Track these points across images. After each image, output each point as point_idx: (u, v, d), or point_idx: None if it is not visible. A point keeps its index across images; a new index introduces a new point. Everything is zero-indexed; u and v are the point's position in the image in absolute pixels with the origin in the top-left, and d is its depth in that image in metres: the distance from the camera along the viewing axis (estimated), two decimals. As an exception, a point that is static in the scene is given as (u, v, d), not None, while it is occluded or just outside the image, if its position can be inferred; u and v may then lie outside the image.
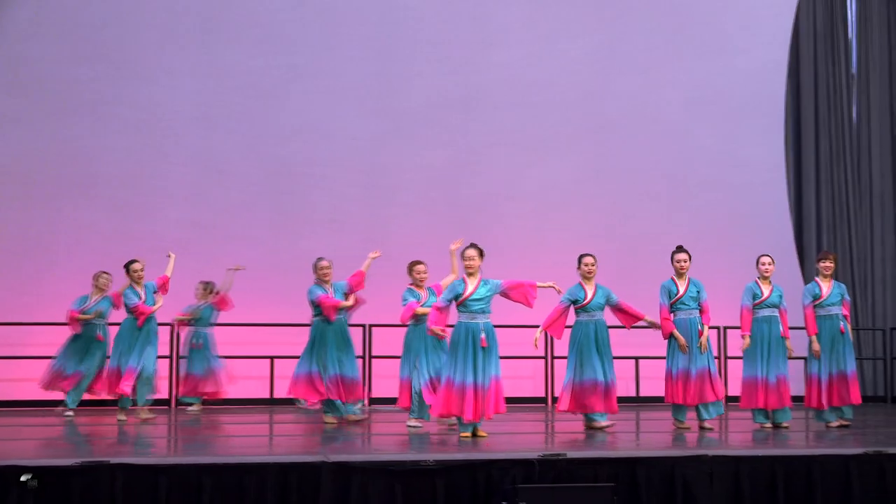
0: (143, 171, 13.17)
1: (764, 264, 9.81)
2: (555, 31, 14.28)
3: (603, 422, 9.21)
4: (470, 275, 8.40)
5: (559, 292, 8.88)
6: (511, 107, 14.05)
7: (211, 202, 13.26)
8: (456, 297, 8.35)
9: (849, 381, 9.70)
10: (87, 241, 12.82)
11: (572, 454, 7.12)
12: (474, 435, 8.29)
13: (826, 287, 9.81)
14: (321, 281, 9.80)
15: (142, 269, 10.37)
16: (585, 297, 9.32)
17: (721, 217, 14.22)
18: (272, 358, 12.34)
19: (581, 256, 9.48)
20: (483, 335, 8.26)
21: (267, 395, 12.47)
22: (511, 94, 14.07)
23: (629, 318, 9.44)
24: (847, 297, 9.92)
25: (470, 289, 8.34)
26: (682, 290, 9.56)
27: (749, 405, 9.75)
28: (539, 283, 8.66)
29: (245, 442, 8.23)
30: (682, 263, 9.62)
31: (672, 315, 9.60)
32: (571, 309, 9.37)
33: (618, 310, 9.44)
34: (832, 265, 9.87)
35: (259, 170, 13.47)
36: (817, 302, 9.77)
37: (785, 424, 9.64)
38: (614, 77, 14.39)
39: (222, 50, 13.47)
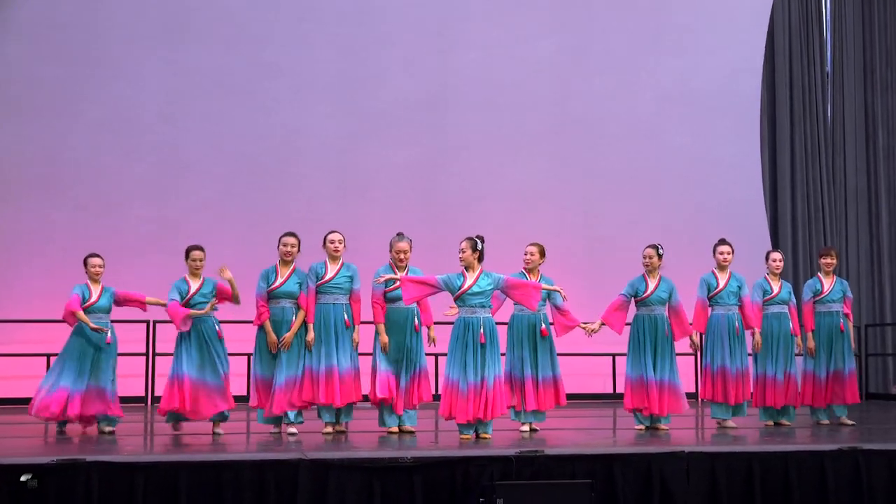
0: (109, 169, 13.21)
1: (774, 261, 9.88)
2: (526, 30, 14.43)
3: (662, 424, 9.19)
4: (467, 268, 8.21)
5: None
6: (483, 106, 14.18)
7: (180, 200, 13.32)
8: (452, 291, 8.15)
9: (846, 379, 9.81)
10: (51, 240, 12.86)
11: (550, 451, 7.24)
12: (477, 437, 8.10)
13: (828, 283, 9.96)
14: (394, 265, 8.78)
15: (100, 266, 9.19)
16: (646, 290, 9.28)
17: (696, 215, 14.39)
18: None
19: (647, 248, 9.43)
20: (482, 331, 8.09)
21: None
22: (483, 93, 14.20)
23: (679, 323, 9.31)
24: (849, 294, 10.05)
25: (469, 282, 8.13)
26: (722, 284, 9.55)
27: (760, 403, 9.79)
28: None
29: (222, 440, 8.29)
30: (726, 256, 9.58)
31: (710, 309, 9.57)
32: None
33: (673, 313, 9.31)
34: (833, 261, 10.02)
35: (229, 168, 13.54)
36: (818, 298, 9.92)
37: (787, 423, 9.71)
38: (587, 76, 14.55)
39: (189, 47, 13.53)
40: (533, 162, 14.26)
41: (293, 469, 6.79)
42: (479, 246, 8.20)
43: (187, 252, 9.06)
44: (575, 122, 14.46)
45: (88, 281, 9.17)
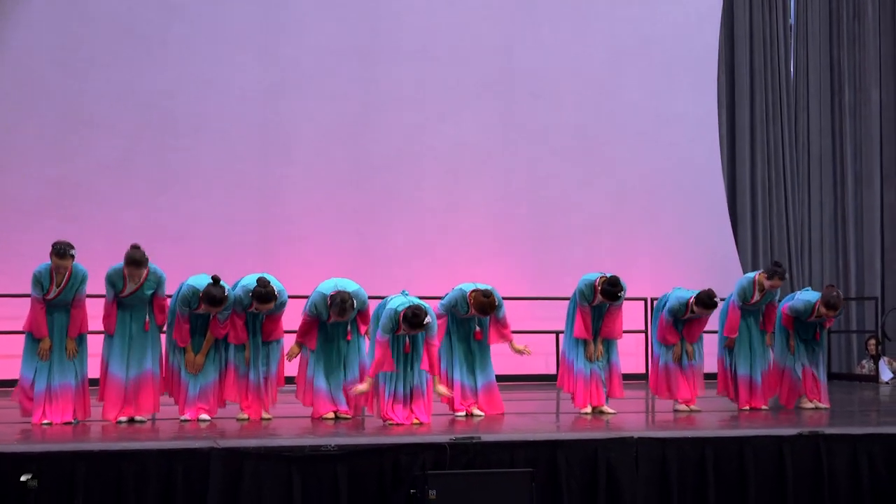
0: (-1, 123, 12.91)
1: (773, 285, 9.63)
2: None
3: (608, 407, 9.21)
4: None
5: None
6: (419, 55, 14.05)
7: (79, 158, 13.04)
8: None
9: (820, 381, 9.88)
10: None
11: (487, 437, 7.23)
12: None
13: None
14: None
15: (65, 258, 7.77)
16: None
17: (647, 179, 14.44)
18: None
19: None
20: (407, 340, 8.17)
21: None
22: (419, 41, 14.05)
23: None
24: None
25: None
26: (685, 315, 9.42)
27: (723, 394, 9.82)
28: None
29: (126, 427, 8.14)
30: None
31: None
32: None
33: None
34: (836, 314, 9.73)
35: (136, 123, 13.27)
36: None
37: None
38: (533, 24, 14.47)
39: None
40: (473, 118, 14.17)
41: (204, 458, 6.70)
42: None
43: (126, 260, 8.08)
44: (520, 74, 14.38)
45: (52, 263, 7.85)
